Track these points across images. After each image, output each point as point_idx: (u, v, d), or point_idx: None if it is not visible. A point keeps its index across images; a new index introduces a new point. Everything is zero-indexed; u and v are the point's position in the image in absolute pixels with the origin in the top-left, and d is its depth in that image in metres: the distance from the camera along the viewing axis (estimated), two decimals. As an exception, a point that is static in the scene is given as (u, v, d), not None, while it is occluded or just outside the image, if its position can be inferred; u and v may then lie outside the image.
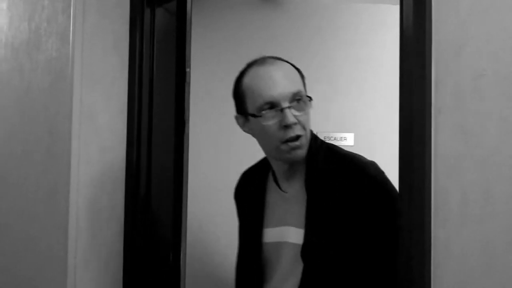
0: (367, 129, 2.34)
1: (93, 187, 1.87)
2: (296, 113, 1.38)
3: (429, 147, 1.11)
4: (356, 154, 1.47)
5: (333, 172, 1.40)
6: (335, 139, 2.38)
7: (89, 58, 1.86)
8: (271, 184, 1.50)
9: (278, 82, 1.40)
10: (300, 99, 1.39)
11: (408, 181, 1.16)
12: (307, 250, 1.37)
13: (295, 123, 1.37)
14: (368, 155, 2.29)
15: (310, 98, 1.42)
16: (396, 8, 1.27)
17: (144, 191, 1.92)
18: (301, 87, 1.42)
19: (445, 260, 1.07)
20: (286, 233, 1.44)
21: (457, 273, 1.04)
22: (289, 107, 1.37)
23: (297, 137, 1.38)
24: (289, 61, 1.48)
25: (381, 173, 1.42)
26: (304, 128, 1.39)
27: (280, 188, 1.47)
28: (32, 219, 1.99)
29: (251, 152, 2.31)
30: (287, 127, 1.37)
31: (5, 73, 2.14)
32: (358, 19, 2.37)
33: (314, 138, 1.46)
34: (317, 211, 1.38)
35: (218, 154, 2.34)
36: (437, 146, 1.11)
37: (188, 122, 2.31)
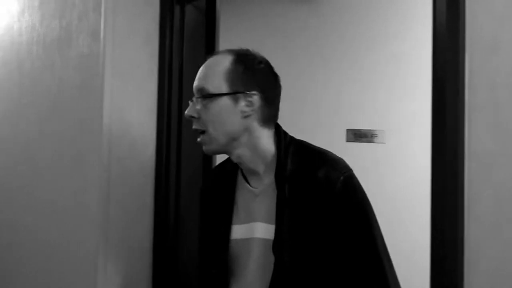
0: (399, 126, 2.32)
1: (124, 183, 1.90)
2: (200, 108, 1.42)
3: (462, 144, 1.11)
4: (325, 150, 1.48)
5: (302, 168, 1.42)
6: (365, 136, 2.37)
7: (120, 55, 1.90)
8: (240, 181, 1.53)
9: (198, 75, 1.46)
10: (206, 95, 1.42)
11: (441, 179, 1.16)
12: (279, 245, 1.39)
13: (191, 116, 1.44)
14: (400, 153, 2.29)
15: (212, 95, 1.41)
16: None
17: (174, 187, 1.95)
18: (211, 85, 1.42)
19: (478, 260, 1.07)
20: (256, 229, 1.46)
21: (490, 273, 1.04)
22: (192, 100, 1.44)
23: (202, 132, 1.44)
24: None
25: (349, 170, 1.43)
26: (205, 124, 1.42)
27: (249, 184, 1.50)
28: (64, 215, 2.03)
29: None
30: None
31: (37, 70, 2.18)
32: (392, 13, 2.36)
33: (284, 134, 1.49)
34: (287, 206, 1.40)
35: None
36: (470, 144, 1.11)
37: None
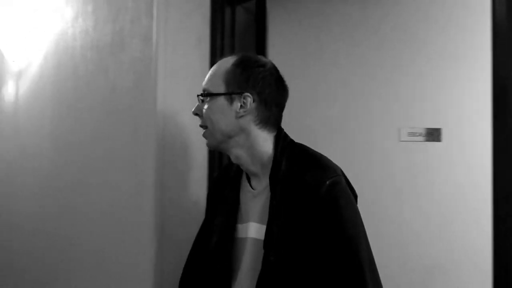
0: (456, 124, 2.27)
1: (177, 185, 1.95)
2: (202, 106, 1.57)
3: (524, 144, 1.10)
4: (321, 155, 1.52)
5: (294, 170, 1.47)
6: (420, 134, 2.34)
7: (172, 57, 1.95)
8: (243, 181, 1.61)
9: (207, 76, 1.59)
10: (205, 94, 1.55)
11: (503, 180, 1.15)
12: (269, 247, 1.44)
13: (195, 114, 1.60)
14: (458, 151, 2.25)
15: (210, 95, 1.54)
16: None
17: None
18: (211, 85, 1.55)
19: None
20: (250, 229, 1.54)
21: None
22: (199, 98, 1.58)
23: (205, 128, 1.57)
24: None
25: (338, 175, 1.45)
26: (205, 121, 1.56)
27: (250, 184, 1.58)
28: (119, 217, 2.09)
29: (328, 148, 2.33)
30: None
31: (91, 74, 2.26)
32: (449, 9, 2.32)
33: (283, 136, 1.55)
34: (278, 207, 1.45)
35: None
36: (533, 144, 1.09)
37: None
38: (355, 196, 1.51)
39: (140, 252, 1.96)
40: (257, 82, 1.51)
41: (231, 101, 1.51)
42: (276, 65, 2.12)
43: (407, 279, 2.27)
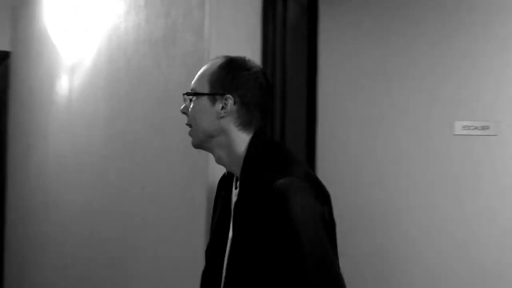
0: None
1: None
2: (189, 104, 1.61)
3: None
4: (291, 158, 1.56)
5: (261, 171, 1.52)
6: (475, 128, 2.31)
7: (224, 51, 1.98)
8: (233, 182, 1.66)
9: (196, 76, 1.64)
10: (189, 94, 1.61)
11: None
12: (231, 245, 1.53)
13: (183, 112, 1.64)
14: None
15: (194, 94, 1.59)
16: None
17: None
18: (197, 85, 1.60)
19: None
20: (230, 229, 1.60)
21: None
22: (185, 97, 1.63)
23: (190, 126, 1.61)
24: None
25: (293, 176, 1.47)
26: (190, 120, 1.61)
27: (235, 184, 1.63)
28: (171, 207, 2.16)
29: (377, 142, 2.33)
30: None
31: (143, 68, 2.33)
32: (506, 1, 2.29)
33: (258, 137, 1.59)
34: (243, 208, 1.52)
35: (347, 148, 2.39)
36: None
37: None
38: (326, 197, 1.53)
39: (191, 249, 2.03)
40: (240, 84, 1.56)
41: (213, 102, 1.57)
42: (328, 59, 2.14)
43: (467, 282, 2.25)
